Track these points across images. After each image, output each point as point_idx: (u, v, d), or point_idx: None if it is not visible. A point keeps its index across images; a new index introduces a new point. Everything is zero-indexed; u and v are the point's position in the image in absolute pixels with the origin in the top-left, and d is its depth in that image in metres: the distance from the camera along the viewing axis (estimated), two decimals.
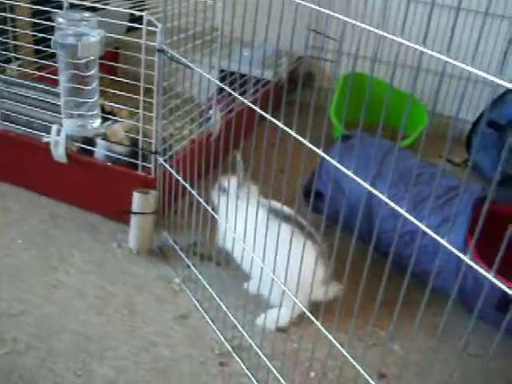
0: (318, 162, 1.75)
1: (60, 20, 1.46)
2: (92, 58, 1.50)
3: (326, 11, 0.92)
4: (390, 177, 1.65)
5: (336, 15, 0.90)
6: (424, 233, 0.95)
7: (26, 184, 1.94)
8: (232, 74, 2.06)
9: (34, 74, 2.05)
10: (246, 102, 1.28)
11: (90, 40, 1.46)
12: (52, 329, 1.41)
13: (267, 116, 1.19)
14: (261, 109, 1.18)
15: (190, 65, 1.36)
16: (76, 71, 1.50)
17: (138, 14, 1.43)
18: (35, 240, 1.72)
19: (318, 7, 0.94)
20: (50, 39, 1.51)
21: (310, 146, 1.07)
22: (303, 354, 1.30)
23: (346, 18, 0.89)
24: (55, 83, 1.70)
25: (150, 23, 1.41)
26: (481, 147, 2.28)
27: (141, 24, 1.45)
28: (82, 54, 1.45)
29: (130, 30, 2.21)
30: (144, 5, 1.65)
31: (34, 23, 1.84)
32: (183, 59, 1.41)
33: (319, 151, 1.05)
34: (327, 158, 1.08)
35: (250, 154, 1.23)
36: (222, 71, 1.98)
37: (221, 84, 1.32)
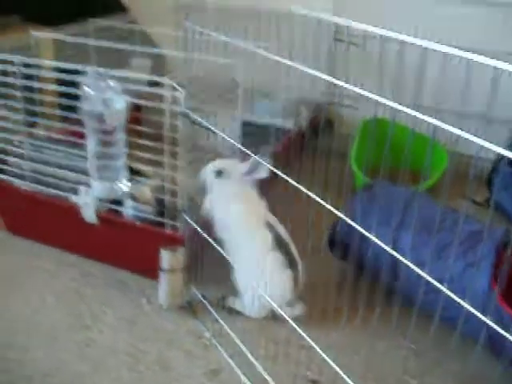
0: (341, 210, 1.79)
1: (86, 89, 1.53)
2: (118, 123, 1.56)
3: (341, 83, 0.97)
4: (413, 225, 1.69)
5: (350, 87, 0.95)
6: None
7: (57, 243, 1.99)
8: (254, 125, 2.13)
9: (58, 135, 2.11)
10: (262, 161, 1.34)
11: (116, 107, 1.53)
12: None
13: (279, 173, 1.25)
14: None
15: (213, 129, 1.42)
16: (103, 136, 1.56)
17: (159, 79, 1.49)
18: (67, 298, 1.77)
19: (333, 79, 0.99)
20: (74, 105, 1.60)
21: (328, 206, 1.11)
22: None
23: (360, 91, 0.94)
24: (80, 144, 1.79)
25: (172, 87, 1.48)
26: (502, 186, 2.30)
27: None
28: (109, 121, 1.52)
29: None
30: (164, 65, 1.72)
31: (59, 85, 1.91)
32: (206, 124, 1.47)
33: (338, 213, 1.09)
34: (345, 218, 1.11)
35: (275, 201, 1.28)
36: (244, 123, 2.05)
37: (243, 148, 1.36)
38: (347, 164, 2.20)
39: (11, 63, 1.81)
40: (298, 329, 1.26)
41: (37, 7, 2.84)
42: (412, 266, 1.01)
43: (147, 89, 1.54)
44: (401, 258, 0.99)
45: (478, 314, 0.92)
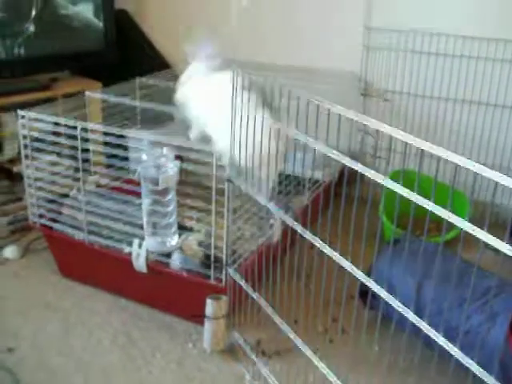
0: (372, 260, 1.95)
1: (144, 157, 1.72)
2: (170, 185, 1.75)
3: (365, 122, 1.14)
4: (435, 278, 1.83)
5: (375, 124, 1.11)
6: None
7: (109, 288, 2.18)
8: (288, 176, 2.29)
9: (111, 185, 2.31)
10: (287, 220, 1.49)
11: (169, 172, 1.72)
12: None
13: (305, 236, 1.41)
14: (314, 208, 1.39)
15: (254, 196, 1.59)
16: (157, 196, 1.75)
17: (206, 149, 1.68)
18: (119, 341, 1.94)
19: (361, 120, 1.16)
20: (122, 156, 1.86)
21: (352, 269, 1.27)
22: None
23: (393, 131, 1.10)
24: (131, 193, 2.01)
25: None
26: None
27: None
28: (162, 184, 1.71)
29: None
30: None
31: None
32: (247, 190, 1.64)
33: (362, 278, 1.24)
34: (368, 282, 1.27)
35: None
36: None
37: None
38: (377, 214, 2.36)
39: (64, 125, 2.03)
40: (330, 374, 1.41)
41: (90, 65, 3.07)
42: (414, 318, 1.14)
43: (195, 155, 1.71)
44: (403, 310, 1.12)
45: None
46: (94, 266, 2.18)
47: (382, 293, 1.35)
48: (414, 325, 1.77)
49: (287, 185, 2.22)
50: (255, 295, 1.70)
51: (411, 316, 1.28)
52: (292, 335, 1.58)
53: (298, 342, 1.55)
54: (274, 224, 2.02)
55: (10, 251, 2.44)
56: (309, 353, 1.53)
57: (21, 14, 2.73)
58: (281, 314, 1.67)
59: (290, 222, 1.51)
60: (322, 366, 1.47)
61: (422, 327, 1.28)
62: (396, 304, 1.32)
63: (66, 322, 2.03)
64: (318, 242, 1.40)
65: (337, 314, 1.95)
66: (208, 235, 1.90)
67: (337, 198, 1.36)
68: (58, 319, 2.05)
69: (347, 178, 1.76)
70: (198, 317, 1.87)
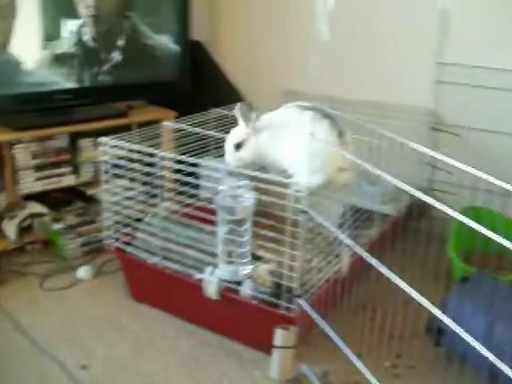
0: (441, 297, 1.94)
1: (222, 187, 1.78)
2: (246, 216, 1.80)
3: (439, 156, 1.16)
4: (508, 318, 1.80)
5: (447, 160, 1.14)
6: None
7: (179, 313, 2.23)
8: (357, 210, 2.30)
9: (183, 212, 2.38)
10: (357, 250, 1.51)
11: (246, 203, 1.77)
12: None
13: (372, 263, 1.43)
14: (384, 241, 1.41)
15: (327, 226, 1.62)
16: (232, 226, 1.79)
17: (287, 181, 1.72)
18: (187, 365, 1.98)
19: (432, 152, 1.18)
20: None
21: (418, 299, 1.28)
22: None
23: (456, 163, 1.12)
24: (202, 221, 2.09)
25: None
26: None
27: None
28: (239, 214, 1.75)
29: None
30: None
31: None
32: (321, 220, 1.67)
33: (433, 309, 1.24)
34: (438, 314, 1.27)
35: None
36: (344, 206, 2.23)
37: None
38: (444, 250, 2.34)
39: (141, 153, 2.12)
40: None
41: (164, 94, 3.18)
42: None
43: (274, 188, 1.76)
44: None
45: None
46: (165, 291, 2.23)
47: (457, 330, 1.34)
48: (486, 364, 1.75)
49: (356, 218, 2.24)
50: (326, 327, 1.71)
51: (490, 356, 1.26)
52: (362, 368, 1.58)
53: (369, 374, 1.55)
54: (343, 256, 2.04)
55: (84, 272, 2.53)
56: None
57: (109, 43, 2.86)
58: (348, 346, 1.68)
59: (361, 252, 1.53)
60: None
61: (500, 366, 1.27)
62: (473, 343, 1.31)
63: (135, 344, 2.09)
64: (387, 273, 1.40)
65: (401, 349, 1.96)
66: (279, 265, 1.92)
67: (404, 233, 1.38)
68: (129, 340, 2.11)
69: (415, 213, 1.77)
70: (266, 345, 1.90)
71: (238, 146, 2.03)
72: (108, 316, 2.26)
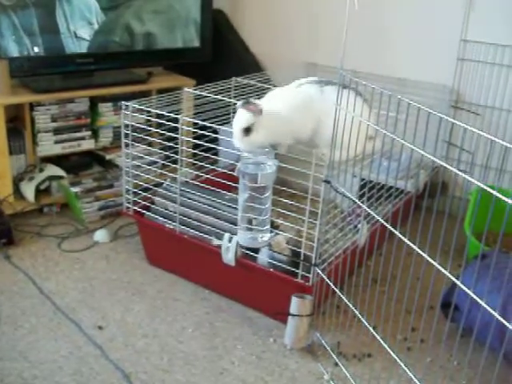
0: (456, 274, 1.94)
1: (244, 153, 1.79)
2: (268, 183, 1.80)
3: (462, 125, 1.16)
4: None
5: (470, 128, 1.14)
6: None
7: (195, 278, 2.26)
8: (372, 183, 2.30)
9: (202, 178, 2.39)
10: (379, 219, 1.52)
11: (268, 170, 1.77)
12: None
13: (396, 233, 1.43)
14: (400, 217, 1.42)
15: (349, 195, 1.62)
16: (254, 193, 1.80)
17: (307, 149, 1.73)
18: (202, 329, 2.00)
19: (454, 120, 1.19)
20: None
21: (440, 268, 1.29)
22: None
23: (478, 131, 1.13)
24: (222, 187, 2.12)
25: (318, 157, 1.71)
26: None
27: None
28: (261, 181, 1.76)
29: None
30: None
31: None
32: (343, 190, 1.68)
33: (451, 276, 1.25)
34: (458, 283, 1.27)
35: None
36: (362, 180, 2.23)
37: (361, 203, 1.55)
38: (460, 228, 2.34)
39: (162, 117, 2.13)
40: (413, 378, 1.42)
41: (184, 62, 3.17)
42: None
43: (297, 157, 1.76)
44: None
45: None
46: (181, 256, 2.26)
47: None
48: (496, 339, 1.77)
49: (373, 193, 2.24)
50: (343, 296, 1.72)
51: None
52: (378, 338, 1.59)
53: (383, 344, 1.56)
54: (361, 228, 2.05)
55: (101, 235, 2.56)
56: (393, 357, 1.54)
57: (130, 9, 2.85)
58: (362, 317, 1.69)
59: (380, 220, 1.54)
60: (408, 372, 1.47)
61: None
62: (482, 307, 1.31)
63: (151, 307, 2.11)
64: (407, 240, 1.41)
65: (416, 324, 1.97)
66: (298, 234, 1.94)
67: (420, 211, 1.39)
68: (144, 303, 2.13)
69: (432, 191, 1.74)
70: (282, 314, 1.92)
71: (247, 131, 1.93)
72: (124, 279, 2.28)
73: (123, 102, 2.22)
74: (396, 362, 1.51)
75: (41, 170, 2.68)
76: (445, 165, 1.28)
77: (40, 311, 2.05)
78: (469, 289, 1.92)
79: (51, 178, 2.69)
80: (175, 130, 2.13)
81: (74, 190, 2.66)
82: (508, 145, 1.06)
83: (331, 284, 1.79)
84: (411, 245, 1.40)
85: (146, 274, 2.32)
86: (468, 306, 1.85)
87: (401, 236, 1.46)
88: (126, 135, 2.22)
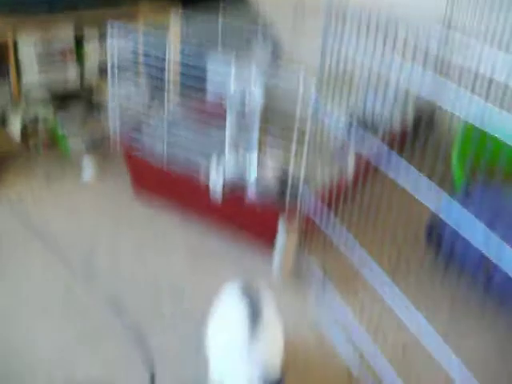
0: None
1: (230, 78, 1.77)
2: (255, 110, 1.79)
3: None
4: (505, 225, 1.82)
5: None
6: None
7: (180, 210, 2.28)
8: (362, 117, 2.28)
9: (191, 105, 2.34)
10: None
11: (255, 93, 1.75)
12: None
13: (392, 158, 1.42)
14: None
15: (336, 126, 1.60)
16: (241, 119, 1.78)
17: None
18: (191, 259, 2.03)
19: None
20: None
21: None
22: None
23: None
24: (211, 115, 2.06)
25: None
26: None
27: None
28: (248, 107, 1.74)
29: None
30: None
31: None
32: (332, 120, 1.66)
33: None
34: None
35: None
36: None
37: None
38: (448, 161, 2.34)
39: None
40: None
41: None
42: None
43: (283, 79, 1.73)
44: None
45: None
46: (169, 190, 2.26)
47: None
48: (477, 268, 1.79)
49: (363, 126, 2.23)
50: (330, 223, 1.72)
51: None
52: (367, 264, 1.59)
53: (377, 270, 1.56)
54: (349, 158, 2.05)
55: (88, 172, 2.54)
56: (384, 279, 1.55)
57: None
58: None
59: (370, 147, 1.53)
60: (396, 293, 1.48)
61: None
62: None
63: (139, 239, 2.13)
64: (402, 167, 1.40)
65: (401, 252, 1.99)
66: (285, 163, 1.92)
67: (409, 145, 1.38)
68: (133, 235, 2.15)
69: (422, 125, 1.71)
70: (270, 239, 1.93)
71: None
72: (112, 212, 2.29)
73: (110, 22, 2.15)
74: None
75: (27, 109, 2.63)
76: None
77: (27, 242, 2.06)
78: (455, 220, 1.95)
79: (38, 117, 2.65)
80: (163, 59, 2.08)
81: (61, 127, 2.62)
82: None
83: (319, 212, 1.79)
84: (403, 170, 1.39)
85: (133, 208, 2.33)
86: (451, 235, 1.87)
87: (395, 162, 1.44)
88: (112, 66, 2.17)
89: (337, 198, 1.82)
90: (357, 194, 2.06)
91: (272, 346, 1.37)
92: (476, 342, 1.76)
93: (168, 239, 2.13)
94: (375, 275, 1.55)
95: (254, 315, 1.38)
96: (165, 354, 1.62)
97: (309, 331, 1.74)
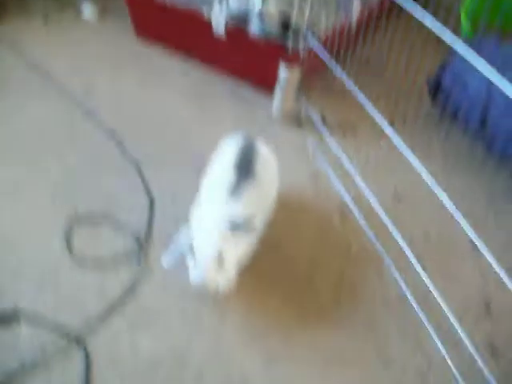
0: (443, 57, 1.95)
1: None
2: None
3: None
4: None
5: None
6: None
7: (184, 52, 2.24)
8: None
9: None
10: None
11: None
12: None
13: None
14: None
15: None
16: None
17: None
18: (192, 100, 2.04)
19: None
20: None
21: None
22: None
23: None
24: None
25: None
26: None
27: None
28: None
29: None
30: None
31: None
32: None
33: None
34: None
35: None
36: None
37: None
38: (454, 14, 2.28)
39: None
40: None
41: None
42: None
43: None
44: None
45: None
46: (171, 28, 2.21)
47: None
48: (478, 123, 1.80)
49: None
50: (333, 66, 1.71)
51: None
52: (369, 106, 1.58)
53: (374, 112, 1.55)
54: (353, 4, 2.01)
55: (89, 11, 2.47)
56: (375, 131, 1.57)
57: None
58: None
59: None
60: (394, 139, 1.49)
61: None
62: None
63: (140, 77, 2.12)
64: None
65: (403, 107, 2.01)
66: (289, 4, 1.88)
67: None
68: (133, 75, 2.13)
69: None
70: (269, 85, 1.93)
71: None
72: (113, 52, 2.26)
73: None
74: (379, 135, 1.55)
75: None
76: None
77: (27, 80, 2.04)
78: (457, 69, 1.94)
79: None
80: None
81: None
82: None
83: (322, 54, 1.78)
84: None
85: (134, 48, 2.30)
86: (456, 88, 1.88)
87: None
88: None
89: (340, 43, 1.80)
90: (361, 43, 2.03)
91: (257, 200, 1.38)
92: (465, 183, 1.82)
93: (171, 79, 2.12)
94: (375, 118, 1.56)
95: (245, 165, 1.39)
96: (162, 190, 1.65)
97: (305, 175, 1.79)
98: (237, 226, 1.28)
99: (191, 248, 1.28)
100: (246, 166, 1.39)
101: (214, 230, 1.27)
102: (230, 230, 1.27)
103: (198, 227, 1.31)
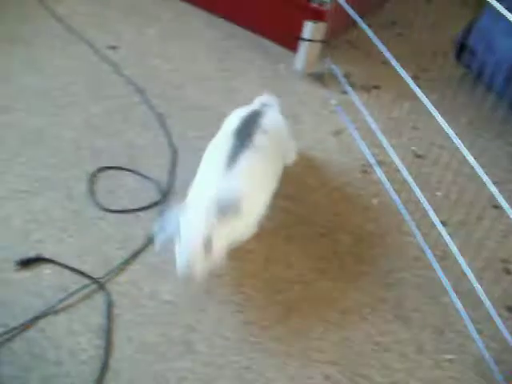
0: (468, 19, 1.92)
1: None
2: None
3: None
4: None
5: None
6: None
7: (207, 5, 2.22)
8: None
9: None
10: None
11: None
12: None
13: None
14: None
15: None
16: None
17: None
18: (215, 53, 2.03)
19: None
20: None
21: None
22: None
23: None
24: None
25: None
26: None
27: None
28: None
29: None
30: None
31: None
32: None
33: None
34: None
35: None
36: None
37: None
38: None
39: None
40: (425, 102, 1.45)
41: None
42: None
43: None
44: None
45: None
46: None
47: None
48: (505, 83, 1.78)
49: None
50: (360, 23, 1.69)
51: None
52: (394, 62, 1.56)
53: (399, 68, 1.54)
54: None
55: None
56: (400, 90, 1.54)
57: None
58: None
59: None
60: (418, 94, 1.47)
61: None
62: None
63: (164, 32, 2.11)
64: None
65: (426, 64, 1.98)
66: None
67: None
68: (157, 28, 2.12)
69: None
70: (293, 41, 1.92)
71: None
72: (137, 5, 2.24)
73: None
74: (403, 94, 1.53)
75: None
76: None
77: (53, 32, 2.03)
78: (486, 31, 1.91)
79: None
80: None
81: None
82: None
83: (347, 10, 1.76)
84: None
85: (159, 2, 2.27)
86: (482, 48, 1.85)
87: None
88: None
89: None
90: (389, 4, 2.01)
91: (256, 177, 1.27)
92: (488, 142, 1.81)
93: (195, 33, 2.11)
94: (400, 74, 1.54)
95: (244, 135, 1.30)
96: (185, 142, 1.66)
97: (328, 131, 1.78)
98: (228, 209, 1.14)
99: (178, 231, 1.14)
100: (245, 137, 1.29)
101: (201, 213, 1.14)
102: (219, 213, 1.14)
103: (188, 207, 1.18)
